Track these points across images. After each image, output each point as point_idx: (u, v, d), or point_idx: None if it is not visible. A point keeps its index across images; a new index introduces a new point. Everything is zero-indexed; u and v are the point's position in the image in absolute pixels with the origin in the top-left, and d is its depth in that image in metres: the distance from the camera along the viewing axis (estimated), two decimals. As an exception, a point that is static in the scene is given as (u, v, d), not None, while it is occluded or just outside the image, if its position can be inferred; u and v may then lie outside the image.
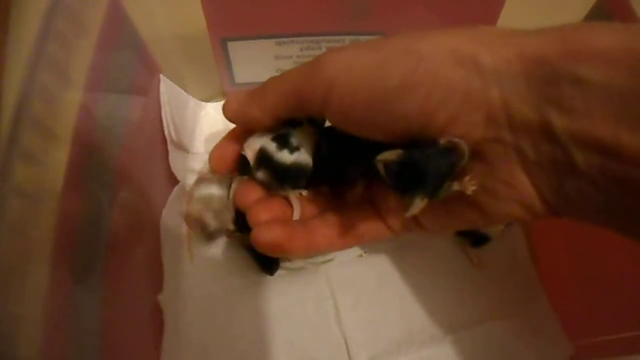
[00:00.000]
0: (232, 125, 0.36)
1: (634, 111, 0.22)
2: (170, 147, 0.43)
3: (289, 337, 0.41)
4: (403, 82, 0.26)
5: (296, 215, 0.36)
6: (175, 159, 0.44)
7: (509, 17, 0.42)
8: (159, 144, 0.44)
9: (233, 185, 0.42)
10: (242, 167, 0.37)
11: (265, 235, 0.35)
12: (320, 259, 0.44)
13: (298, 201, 0.37)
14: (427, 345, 0.41)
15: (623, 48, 0.22)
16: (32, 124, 0.25)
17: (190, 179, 0.45)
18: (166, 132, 0.43)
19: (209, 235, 0.42)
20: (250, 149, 0.35)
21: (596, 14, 0.40)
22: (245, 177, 0.38)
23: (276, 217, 0.36)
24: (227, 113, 0.35)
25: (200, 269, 0.43)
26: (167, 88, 0.44)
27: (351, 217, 0.36)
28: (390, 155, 0.28)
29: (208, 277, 0.42)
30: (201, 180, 0.43)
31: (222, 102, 0.50)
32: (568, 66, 0.23)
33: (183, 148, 0.46)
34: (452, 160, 0.27)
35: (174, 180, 0.43)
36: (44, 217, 0.26)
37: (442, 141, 0.27)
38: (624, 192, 0.23)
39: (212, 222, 0.42)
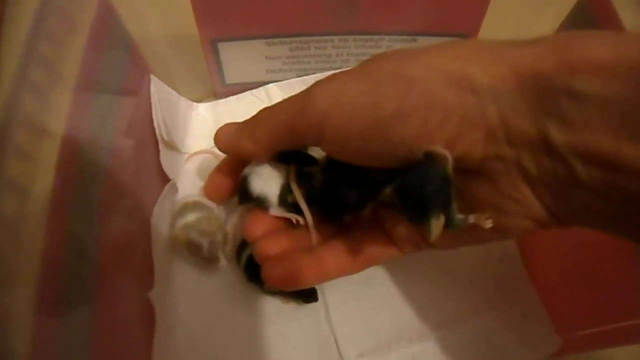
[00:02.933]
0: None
1: (632, 122, 0.21)
2: (161, 147, 0.44)
3: (280, 333, 0.41)
4: (398, 109, 0.26)
5: (314, 240, 0.36)
6: (166, 158, 0.44)
7: (495, 14, 0.43)
8: (150, 143, 0.44)
9: (234, 217, 0.42)
10: (242, 197, 0.38)
11: (276, 270, 0.34)
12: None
13: (314, 226, 0.37)
14: (416, 341, 0.41)
15: (616, 58, 0.22)
16: (24, 121, 0.26)
17: (182, 179, 0.46)
18: (157, 131, 0.43)
19: (203, 260, 0.42)
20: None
21: (577, 15, 0.40)
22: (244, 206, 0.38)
23: (284, 249, 0.36)
24: (219, 145, 0.35)
25: (191, 267, 0.43)
26: (157, 88, 0.44)
27: (360, 241, 0.36)
28: (385, 194, 0.29)
29: (199, 274, 0.43)
30: (186, 206, 0.42)
31: (213, 102, 0.51)
32: (563, 79, 0.23)
33: (174, 147, 0.46)
34: (440, 169, 0.26)
35: (165, 179, 0.44)
36: (35, 213, 0.26)
37: (419, 156, 0.26)
38: (627, 203, 0.23)
39: (204, 245, 0.41)
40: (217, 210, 0.42)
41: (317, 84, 0.30)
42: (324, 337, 0.41)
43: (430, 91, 0.26)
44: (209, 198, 0.39)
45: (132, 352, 0.37)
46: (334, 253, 0.36)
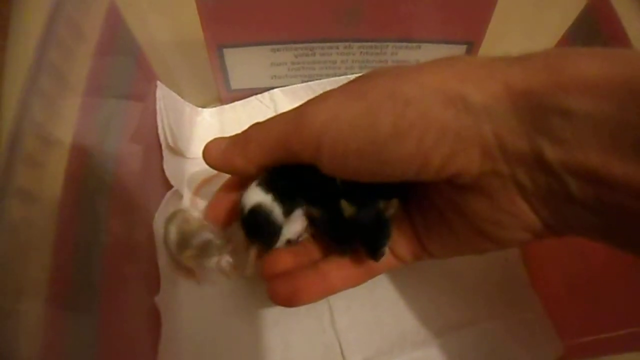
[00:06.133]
0: (229, 131, 0.36)
1: (621, 141, 0.22)
2: (165, 153, 0.44)
3: (284, 339, 0.41)
4: (394, 128, 0.26)
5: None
6: (170, 165, 0.44)
7: (499, 22, 0.43)
8: (156, 149, 0.44)
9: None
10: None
11: (283, 288, 0.35)
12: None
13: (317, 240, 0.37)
14: (419, 346, 0.41)
15: (603, 77, 0.22)
16: (33, 129, 0.26)
17: (187, 183, 0.46)
18: (161, 137, 0.43)
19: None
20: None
21: (581, 24, 0.41)
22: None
23: (289, 267, 0.36)
24: (208, 160, 0.34)
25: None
26: (163, 94, 0.45)
27: (361, 253, 0.36)
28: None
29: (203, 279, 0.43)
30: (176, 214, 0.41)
31: (218, 108, 0.52)
32: (554, 98, 0.23)
33: (179, 153, 0.46)
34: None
35: (169, 186, 0.44)
36: (43, 219, 0.26)
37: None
38: (618, 217, 0.23)
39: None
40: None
41: (311, 102, 0.30)
42: (328, 342, 0.41)
43: (426, 111, 0.26)
44: (212, 222, 0.38)
45: (138, 352, 0.37)
46: (337, 267, 0.36)
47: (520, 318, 0.43)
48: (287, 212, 0.34)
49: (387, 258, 0.36)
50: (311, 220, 0.36)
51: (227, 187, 0.37)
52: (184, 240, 0.39)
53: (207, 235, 0.39)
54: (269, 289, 0.35)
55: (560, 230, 0.27)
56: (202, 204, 0.45)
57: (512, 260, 0.46)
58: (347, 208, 0.32)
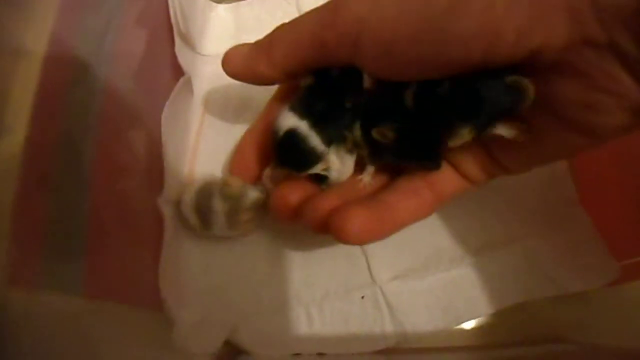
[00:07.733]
0: (246, 31, 0.32)
1: None
2: (176, 38, 0.40)
3: (303, 252, 0.38)
4: None
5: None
6: (181, 51, 0.40)
7: None
8: (164, 35, 0.40)
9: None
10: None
11: (353, 223, 0.28)
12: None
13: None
14: (456, 263, 0.37)
15: None
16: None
17: (198, 80, 0.41)
18: (173, 19, 0.40)
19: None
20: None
21: None
22: None
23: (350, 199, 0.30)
24: (229, 69, 0.31)
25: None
26: None
27: (425, 179, 0.31)
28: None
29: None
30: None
31: (234, 4, 0.46)
32: None
33: (191, 44, 0.42)
34: (516, 99, 0.24)
35: (178, 74, 0.40)
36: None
37: (509, 79, 0.24)
38: None
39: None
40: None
41: None
42: (353, 257, 0.37)
43: None
44: (240, 177, 0.34)
45: (137, 257, 0.34)
46: (403, 198, 0.30)
47: (567, 237, 0.38)
48: (329, 141, 0.29)
49: (455, 181, 0.31)
50: (371, 145, 0.30)
51: (253, 132, 0.34)
52: (235, 207, 0.34)
53: (254, 193, 0.35)
54: (333, 222, 0.28)
55: None
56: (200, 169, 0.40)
57: (559, 176, 0.41)
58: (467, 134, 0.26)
